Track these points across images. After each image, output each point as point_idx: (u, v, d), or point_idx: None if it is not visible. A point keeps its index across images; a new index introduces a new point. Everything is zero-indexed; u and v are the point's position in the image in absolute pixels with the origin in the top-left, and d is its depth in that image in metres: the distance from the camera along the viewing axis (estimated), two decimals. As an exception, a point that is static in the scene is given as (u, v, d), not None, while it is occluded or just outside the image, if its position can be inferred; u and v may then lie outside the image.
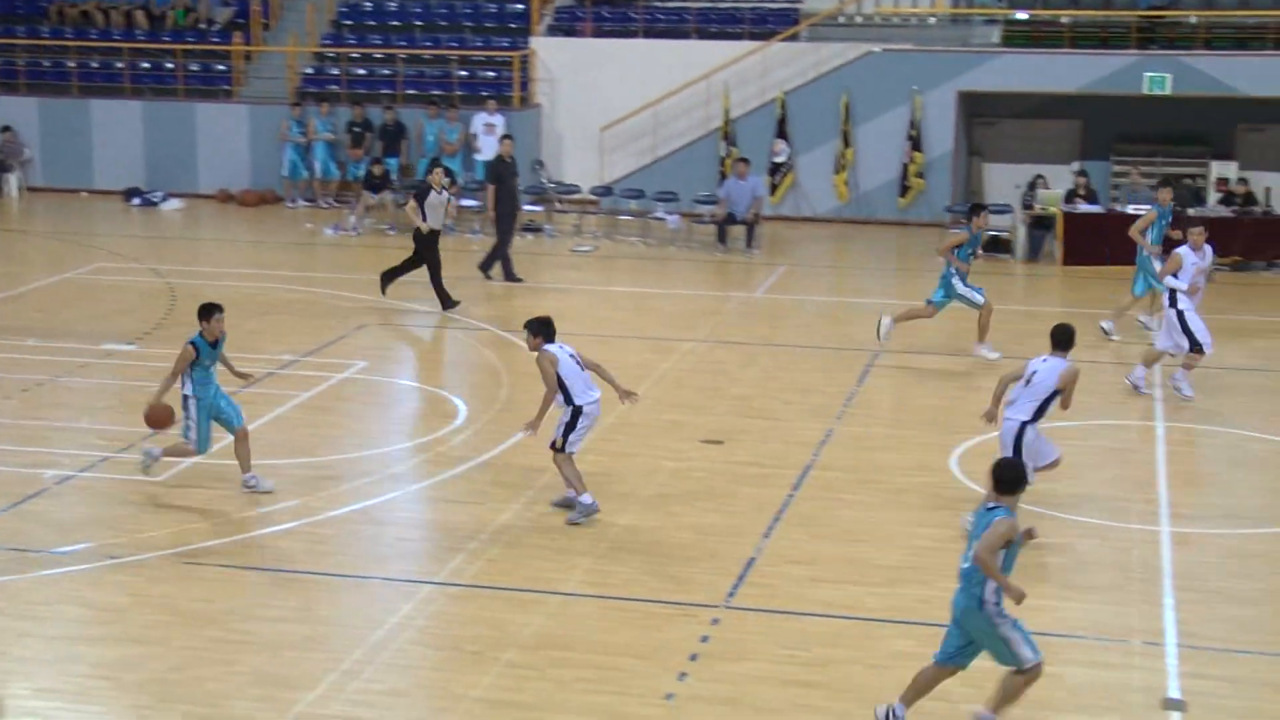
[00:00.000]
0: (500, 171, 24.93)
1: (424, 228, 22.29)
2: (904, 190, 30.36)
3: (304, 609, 11.93)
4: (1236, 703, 10.57)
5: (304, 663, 10.92)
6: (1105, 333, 20.96)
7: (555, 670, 10.88)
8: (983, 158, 31.55)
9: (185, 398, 14.15)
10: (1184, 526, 13.97)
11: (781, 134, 30.72)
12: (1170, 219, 21.15)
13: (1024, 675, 9.69)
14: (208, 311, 14.19)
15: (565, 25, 33.44)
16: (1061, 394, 13.32)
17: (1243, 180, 27.65)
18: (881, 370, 19.42)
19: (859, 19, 32.35)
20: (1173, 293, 18.00)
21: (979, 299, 19.71)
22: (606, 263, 27.08)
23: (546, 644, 11.32)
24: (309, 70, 33.73)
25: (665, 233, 28.84)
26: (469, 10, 34.38)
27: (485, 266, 24.24)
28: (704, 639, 11.39)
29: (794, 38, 31.50)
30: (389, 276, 22.83)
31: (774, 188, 30.69)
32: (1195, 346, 17.81)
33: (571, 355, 13.61)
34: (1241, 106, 29.47)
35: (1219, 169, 28.73)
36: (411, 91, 32.89)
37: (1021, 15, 31.33)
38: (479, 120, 31.10)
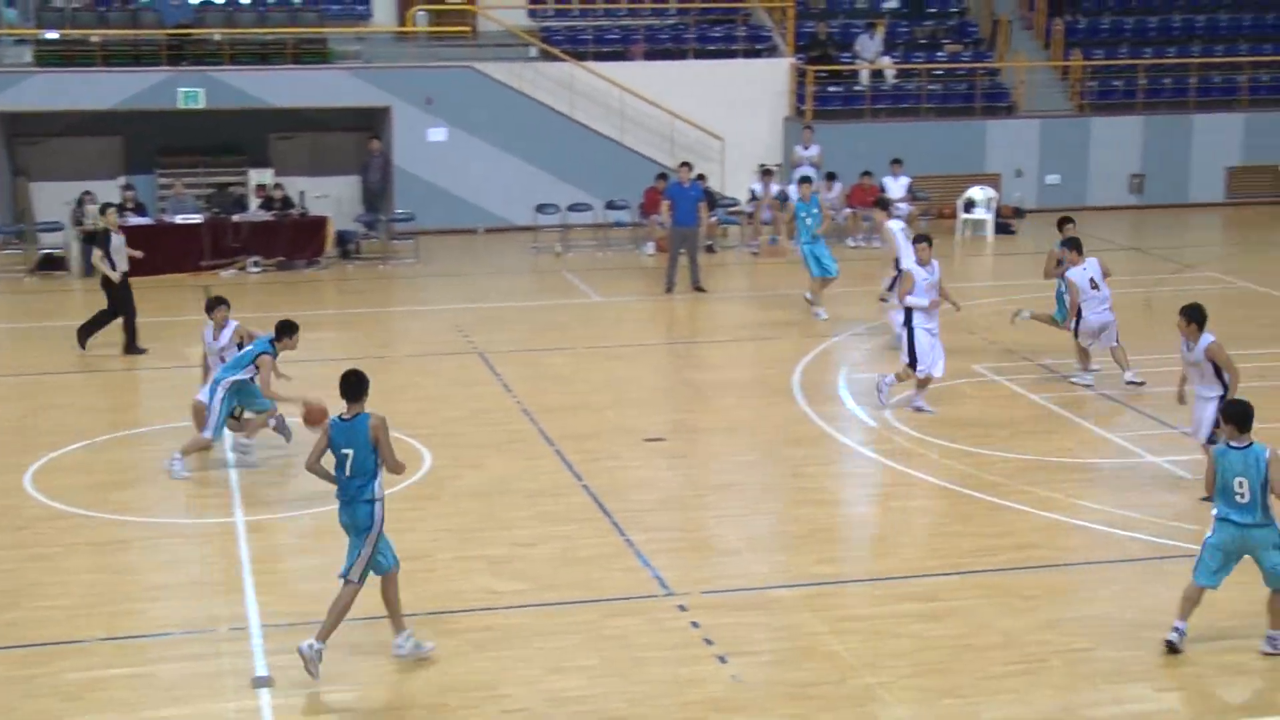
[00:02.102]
0: None
1: (115, 276, 20.05)
2: (-52, 214, 28.63)
3: None
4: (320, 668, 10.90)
5: None
6: (809, 302, 22.47)
7: None
8: (29, 177, 30.32)
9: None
10: (258, 514, 14.25)
11: None
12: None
13: None
14: (293, 329, 15.04)
15: None
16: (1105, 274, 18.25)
17: (279, 185, 28.41)
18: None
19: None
20: (908, 310, 17.32)
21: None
22: None
23: None
24: None
25: None
26: None
27: None
28: None
29: None
30: (86, 331, 20.19)
31: None
32: (912, 362, 17.22)
33: None
34: (270, 117, 30.28)
35: (257, 176, 29.26)
36: None
37: (52, 35, 30.39)
38: None
